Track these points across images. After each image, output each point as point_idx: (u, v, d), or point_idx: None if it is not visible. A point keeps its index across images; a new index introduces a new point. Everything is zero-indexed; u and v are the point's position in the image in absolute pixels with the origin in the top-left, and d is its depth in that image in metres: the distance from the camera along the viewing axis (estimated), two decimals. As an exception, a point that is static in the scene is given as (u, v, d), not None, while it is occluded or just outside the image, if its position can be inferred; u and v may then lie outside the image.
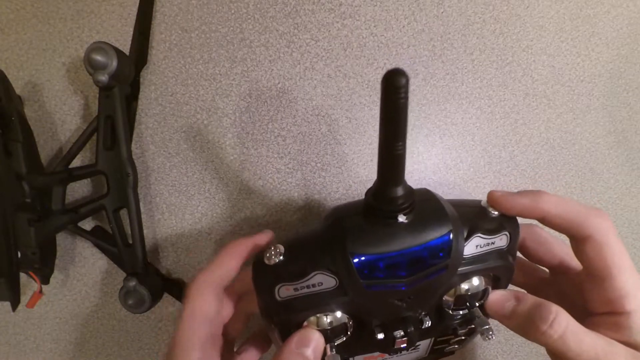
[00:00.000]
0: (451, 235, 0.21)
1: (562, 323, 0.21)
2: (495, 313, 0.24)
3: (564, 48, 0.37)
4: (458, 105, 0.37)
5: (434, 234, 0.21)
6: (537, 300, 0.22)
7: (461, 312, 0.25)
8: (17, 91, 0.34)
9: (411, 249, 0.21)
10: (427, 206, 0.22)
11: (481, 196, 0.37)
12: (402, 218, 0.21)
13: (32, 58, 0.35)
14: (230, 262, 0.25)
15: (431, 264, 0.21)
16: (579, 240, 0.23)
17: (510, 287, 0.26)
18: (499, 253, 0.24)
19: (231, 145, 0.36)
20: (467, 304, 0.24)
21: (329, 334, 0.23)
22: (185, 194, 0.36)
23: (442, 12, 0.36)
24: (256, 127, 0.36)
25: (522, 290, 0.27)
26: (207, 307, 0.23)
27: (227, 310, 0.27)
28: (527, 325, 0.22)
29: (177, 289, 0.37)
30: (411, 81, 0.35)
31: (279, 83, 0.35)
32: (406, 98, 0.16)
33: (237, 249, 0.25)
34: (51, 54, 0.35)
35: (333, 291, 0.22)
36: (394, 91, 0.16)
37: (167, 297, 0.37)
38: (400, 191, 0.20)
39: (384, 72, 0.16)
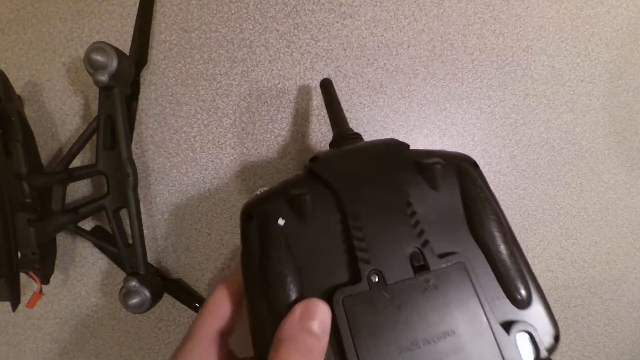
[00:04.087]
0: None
1: None
2: None
3: (564, 48, 0.37)
4: (458, 105, 0.37)
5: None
6: None
7: None
8: (17, 91, 0.34)
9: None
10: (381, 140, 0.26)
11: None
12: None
13: (32, 58, 0.35)
14: None
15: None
16: None
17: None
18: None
19: (231, 145, 0.36)
20: None
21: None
22: (185, 194, 0.36)
23: (442, 12, 0.36)
24: (256, 127, 0.36)
25: None
26: (223, 308, 0.26)
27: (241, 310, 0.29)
28: None
29: (177, 289, 0.37)
30: (411, 81, 0.36)
31: (279, 83, 0.35)
32: (333, 88, 0.32)
33: None
34: (51, 54, 0.35)
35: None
36: (326, 85, 0.31)
37: (167, 297, 0.37)
38: (348, 129, 0.28)
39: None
